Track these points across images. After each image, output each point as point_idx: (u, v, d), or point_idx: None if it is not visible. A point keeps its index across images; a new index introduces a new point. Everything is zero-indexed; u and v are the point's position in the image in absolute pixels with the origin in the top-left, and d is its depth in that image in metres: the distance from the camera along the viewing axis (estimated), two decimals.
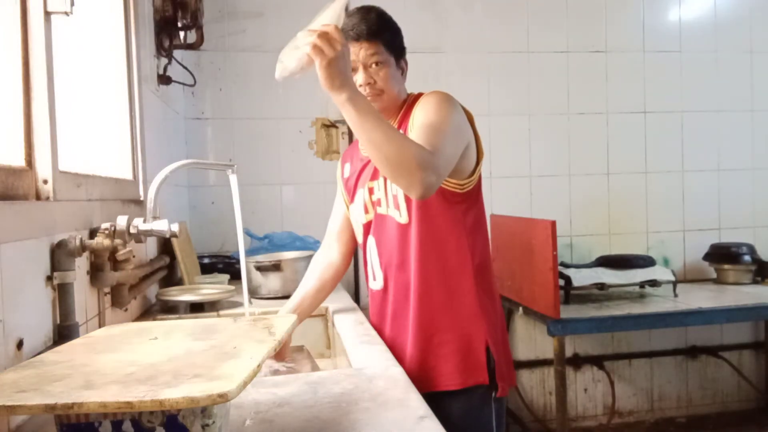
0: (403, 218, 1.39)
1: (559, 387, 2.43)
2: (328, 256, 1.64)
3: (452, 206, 1.38)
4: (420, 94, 1.44)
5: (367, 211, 1.49)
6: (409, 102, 1.44)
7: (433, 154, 1.18)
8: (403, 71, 1.47)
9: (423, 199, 1.22)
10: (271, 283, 2.04)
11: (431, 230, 1.37)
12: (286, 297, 1.99)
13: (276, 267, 2.05)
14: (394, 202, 1.40)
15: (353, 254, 1.68)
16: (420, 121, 1.30)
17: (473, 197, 1.41)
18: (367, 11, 1.40)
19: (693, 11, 3.27)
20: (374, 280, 1.51)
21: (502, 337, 1.45)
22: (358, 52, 1.36)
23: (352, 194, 1.55)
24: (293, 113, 2.95)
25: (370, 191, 1.47)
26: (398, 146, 1.13)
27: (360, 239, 1.55)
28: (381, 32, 1.38)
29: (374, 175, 1.46)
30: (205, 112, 2.90)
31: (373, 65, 1.37)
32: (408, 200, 1.37)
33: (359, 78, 1.37)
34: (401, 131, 1.32)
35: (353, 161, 1.56)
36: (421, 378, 1.31)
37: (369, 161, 1.48)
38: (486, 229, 1.47)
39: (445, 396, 1.33)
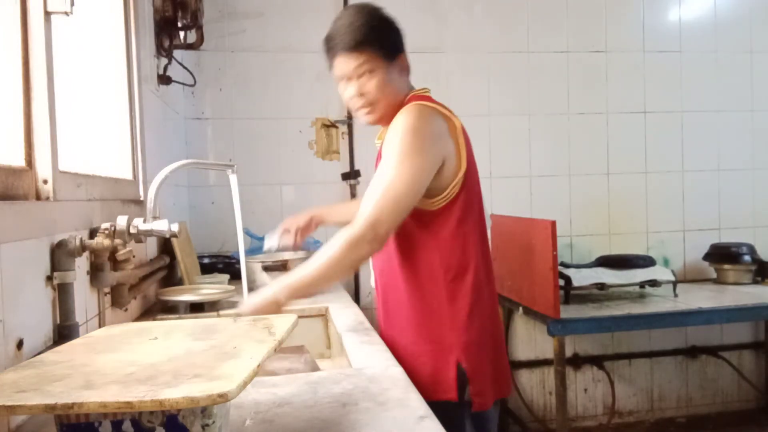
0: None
1: (559, 387, 2.43)
2: None
3: (424, 224, 1.35)
4: (409, 99, 1.40)
5: None
6: (393, 110, 1.39)
7: (374, 225, 1.24)
8: (402, 68, 1.43)
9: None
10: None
11: (404, 244, 1.36)
12: None
13: (283, 266, 2.05)
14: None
15: None
16: (378, 168, 1.33)
17: (449, 210, 1.35)
18: (352, 16, 1.36)
19: (693, 11, 3.27)
20: (373, 282, 1.55)
21: (493, 350, 1.39)
22: (345, 64, 1.35)
23: None
24: (293, 113, 2.95)
25: None
26: (345, 260, 1.25)
27: None
28: (367, 40, 1.34)
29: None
30: (205, 112, 2.90)
31: (363, 76, 1.35)
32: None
33: (350, 90, 1.37)
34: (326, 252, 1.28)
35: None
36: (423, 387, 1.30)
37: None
38: (472, 238, 1.38)
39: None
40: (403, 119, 1.32)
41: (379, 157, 1.44)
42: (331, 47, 1.37)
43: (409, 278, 1.36)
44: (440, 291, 1.34)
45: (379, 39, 1.36)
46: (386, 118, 1.40)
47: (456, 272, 1.34)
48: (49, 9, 1.08)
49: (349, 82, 1.37)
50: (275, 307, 1.23)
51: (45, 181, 1.07)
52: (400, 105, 1.39)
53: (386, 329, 1.44)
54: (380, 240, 1.25)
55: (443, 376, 1.32)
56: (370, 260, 1.50)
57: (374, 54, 1.35)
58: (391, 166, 1.27)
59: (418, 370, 1.30)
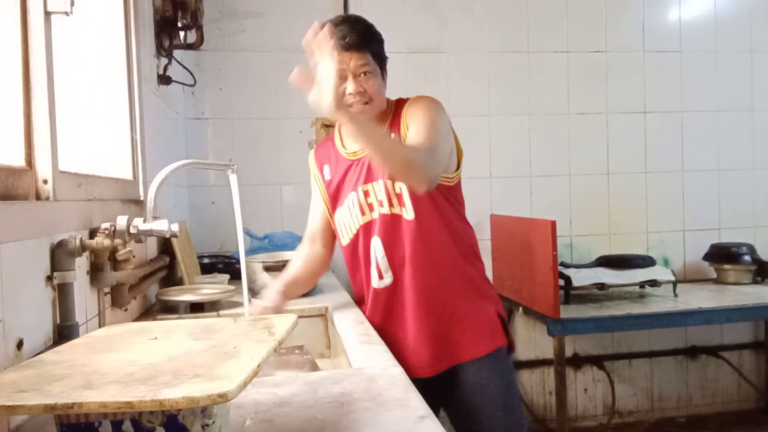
0: (409, 215, 1.47)
1: (559, 387, 2.43)
2: (314, 249, 1.68)
3: (446, 198, 1.51)
4: (404, 100, 1.54)
5: (363, 213, 1.51)
6: (394, 108, 1.53)
7: (432, 151, 1.36)
8: (385, 80, 1.55)
9: (428, 191, 1.39)
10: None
11: (434, 222, 1.48)
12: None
13: (284, 266, 2.05)
14: (399, 200, 1.47)
15: (332, 253, 1.72)
16: (416, 123, 1.44)
17: (459, 190, 1.57)
18: (355, 22, 1.47)
19: (693, 11, 3.27)
20: (380, 279, 1.54)
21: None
22: (349, 61, 1.42)
23: (336, 198, 1.57)
24: (293, 113, 2.95)
25: (366, 194, 1.50)
26: (404, 150, 1.34)
27: (346, 241, 1.57)
28: (370, 43, 1.46)
29: (368, 178, 1.49)
30: (205, 112, 2.90)
31: (363, 75, 1.44)
32: (412, 197, 1.45)
33: (349, 87, 1.43)
34: (396, 135, 1.45)
35: (333, 164, 1.59)
36: (449, 355, 1.49)
37: (353, 164, 1.52)
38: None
39: (474, 364, 1.48)
40: (423, 99, 1.50)
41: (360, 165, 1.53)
42: (344, 42, 1.43)
43: (459, 245, 1.52)
44: (474, 252, 1.57)
45: (377, 45, 1.50)
46: (375, 119, 1.50)
47: (472, 235, 1.59)
48: (49, 9, 1.08)
49: (348, 79, 1.44)
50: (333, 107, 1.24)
51: (45, 181, 1.07)
52: (386, 110, 1.53)
53: (437, 297, 1.50)
54: (429, 177, 1.34)
55: (496, 326, 1.53)
56: (374, 260, 1.50)
57: (373, 57, 1.46)
58: (430, 128, 1.41)
59: (470, 330, 1.49)
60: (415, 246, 1.48)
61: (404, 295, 1.51)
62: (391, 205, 1.47)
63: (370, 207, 1.50)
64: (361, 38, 1.43)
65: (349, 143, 1.57)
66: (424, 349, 1.48)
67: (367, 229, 1.52)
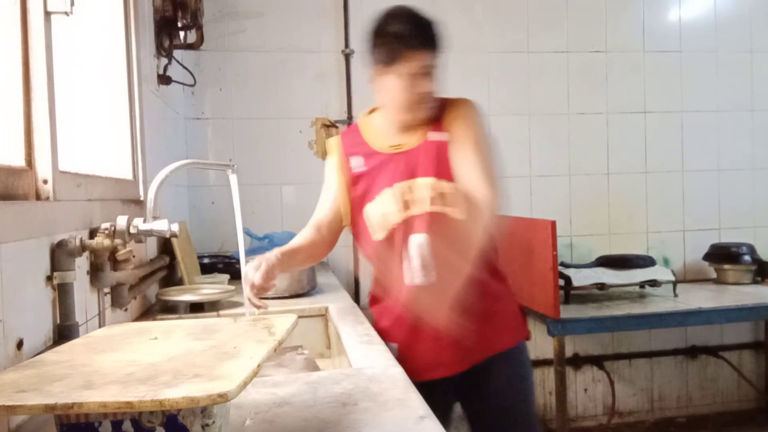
0: (457, 214, 1.47)
1: (559, 387, 2.43)
2: (319, 236, 1.59)
3: None
4: (447, 100, 1.53)
5: (406, 208, 1.47)
6: (437, 106, 1.51)
7: (498, 185, 1.44)
8: None
9: None
10: (279, 282, 2.03)
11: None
12: (293, 297, 2.01)
13: None
14: (446, 199, 1.46)
15: (333, 246, 1.66)
16: (472, 149, 1.46)
17: None
18: (430, 21, 1.49)
19: (693, 11, 3.27)
20: (423, 276, 1.48)
21: None
22: (429, 60, 1.44)
23: (367, 191, 1.52)
24: (293, 113, 2.95)
25: (407, 189, 1.47)
26: (491, 208, 1.41)
27: (380, 235, 1.51)
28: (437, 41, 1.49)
29: (411, 173, 1.47)
30: (205, 112, 2.90)
31: (433, 75, 1.46)
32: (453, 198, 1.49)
33: (428, 85, 1.45)
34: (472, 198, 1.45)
35: (365, 156, 1.54)
36: (488, 345, 1.53)
37: (388, 158, 1.49)
38: None
39: (502, 356, 1.54)
40: (470, 109, 1.52)
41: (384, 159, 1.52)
42: (425, 41, 1.45)
43: (490, 241, 1.52)
44: (496, 247, 1.60)
45: None
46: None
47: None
48: (49, 9, 1.08)
49: (429, 76, 1.45)
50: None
51: (45, 181, 1.07)
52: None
53: (476, 293, 1.50)
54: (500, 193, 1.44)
55: (519, 319, 1.63)
56: (418, 256, 1.48)
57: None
58: (487, 151, 1.47)
59: (505, 322, 1.57)
60: (464, 245, 1.50)
61: (444, 293, 1.47)
62: (439, 202, 1.44)
63: (413, 203, 1.46)
64: (439, 39, 1.48)
65: (381, 137, 1.54)
66: (458, 346, 1.49)
67: (408, 224, 1.47)
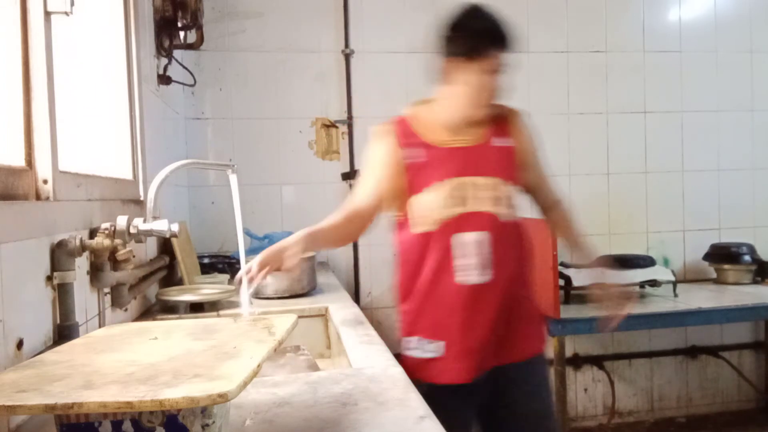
0: (516, 216, 1.55)
1: (559, 387, 2.43)
2: (352, 226, 1.55)
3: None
4: (511, 110, 1.63)
5: (463, 204, 1.46)
6: (502, 113, 1.59)
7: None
8: None
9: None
10: (279, 282, 2.04)
11: (527, 225, 1.59)
12: (294, 297, 2.01)
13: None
14: (508, 201, 1.51)
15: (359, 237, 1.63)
16: (540, 162, 1.65)
17: None
18: (507, 23, 1.54)
19: (693, 11, 3.27)
20: (479, 274, 1.47)
21: None
22: (508, 59, 1.52)
23: (421, 183, 1.48)
24: (293, 113, 2.95)
25: (468, 186, 1.46)
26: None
27: (424, 228, 1.48)
28: None
29: (473, 171, 1.47)
30: (205, 112, 2.90)
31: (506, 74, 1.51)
32: (517, 201, 1.55)
33: (502, 83, 1.52)
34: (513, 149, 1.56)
35: (417, 146, 1.51)
36: (530, 346, 1.56)
37: (447, 152, 1.48)
38: None
39: (532, 361, 1.56)
40: (530, 124, 1.65)
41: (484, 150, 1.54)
42: (508, 40, 1.52)
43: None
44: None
45: None
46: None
47: None
48: (49, 9, 1.08)
49: (501, 74, 1.52)
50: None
51: (45, 181, 1.07)
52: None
53: (518, 296, 1.55)
54: None
55: (544, 326, 1.67)
56: (478, 254, 1.47)
57: None
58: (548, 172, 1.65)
59: (538, 323, 1.61)
60: (518, 247, 1.55)
61: (496, 292, 1.48)
62: (500, 204, 1.48)
63: (471, 200, 1.45)
64: (512, 38, 1.55)
65: (435, 131, 1.52)
66: (499, 345, 1.50)
67: (462, 221, 1.45)
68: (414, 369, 1.43)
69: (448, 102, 1.51)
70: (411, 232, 1.50)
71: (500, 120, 1.56)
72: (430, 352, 1.47)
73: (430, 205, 1.47)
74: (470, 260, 1.46)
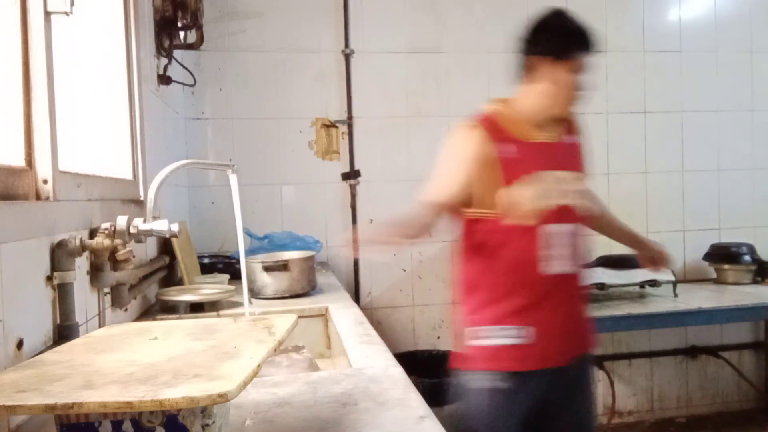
0: (594, 210, 1.68)
1: None
2: (439, 215, 1.54)
3: None
4: (570, 111, 1.67)
5: (552, 197, 1.50)
6: (571, 118, 1.68)
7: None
8: None
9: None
10: (279, 282, 2.04)
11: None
12: (294, 297, 2.01)
13: (284, 267, 2.05)
14: (590, 196, 1.67)
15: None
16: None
17: None
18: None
19: (693, 11, 3.27)
20: (567, 265, 1.53)
21: None
22: (589, 61, 1.61)
23: (509, 176, 1.50)
24: (293, 113, 2.95)
25: (565, 181, 1.54)
26: None
27: (519, 219, 1.47)
28: None
29: (565, 165, 1.56)
30: (205, 112, 2.90)
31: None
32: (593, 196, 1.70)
33: (583, 83, 1.59)
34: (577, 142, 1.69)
35: (507, 141, 1.53)
36: (593, 339, 1.64)
37: (532, 147, 1.54)
38: None
39: (590, 356, 1.64)
40: None
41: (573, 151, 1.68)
42: (593, 43, 1.63)
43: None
44: None
45: None
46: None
47: None
48: (49, 9, 1.08)
49: (582, 74, 1.60)
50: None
51: (45, 181, 1.07)
52: None
53: (574, 304, 1.60)
54: None
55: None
56: (570, 245, 1.54)
57: None
58: None
59: (592, 324, 1.65)
60: (586, 239, 1.64)
61: (577, 283, 1.59)
62: (585, 197, 1.59)
63: (559, 193, 1.51)
64: (595, 42, 1.64)
65: (520, 127, 1.56)
66: (575, 335, 1.57)
67: (553, 213, 1.49)
68: (488, 358, 1.49)
69: (533, 99, 1.58)
70: (493, 225, 1.51)
71: (566, 119, 1.64)
72: (515, 338, 1.48)
73: (522, 198, 1.47)
74: (561, 251, 1.52)
